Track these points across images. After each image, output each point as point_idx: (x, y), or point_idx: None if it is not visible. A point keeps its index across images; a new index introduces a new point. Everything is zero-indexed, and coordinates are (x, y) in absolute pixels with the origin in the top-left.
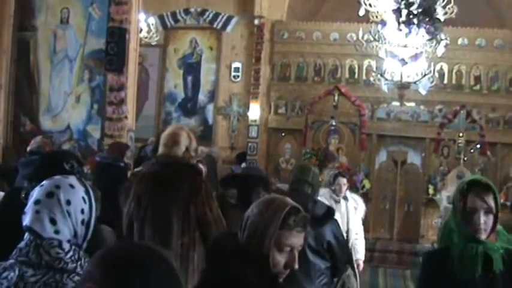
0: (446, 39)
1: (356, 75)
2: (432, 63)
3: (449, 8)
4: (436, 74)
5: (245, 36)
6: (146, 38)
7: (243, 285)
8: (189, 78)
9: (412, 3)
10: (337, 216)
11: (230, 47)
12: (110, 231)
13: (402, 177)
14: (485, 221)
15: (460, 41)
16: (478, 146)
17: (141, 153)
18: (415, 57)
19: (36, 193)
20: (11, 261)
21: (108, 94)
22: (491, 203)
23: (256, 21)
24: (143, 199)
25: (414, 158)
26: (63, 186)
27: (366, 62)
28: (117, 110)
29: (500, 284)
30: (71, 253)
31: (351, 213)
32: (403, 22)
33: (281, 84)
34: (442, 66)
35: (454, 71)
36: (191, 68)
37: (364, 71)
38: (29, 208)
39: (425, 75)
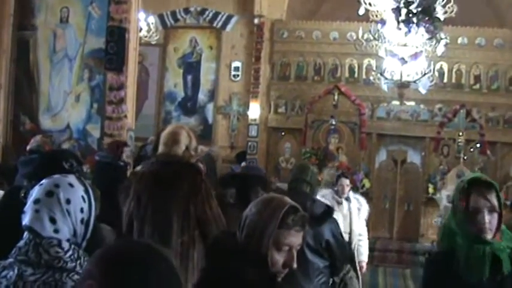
0: (446, 38)
1: (356, 75)
2: (432, 62)
3: (449, 7)
4: (436, 73)
5: (245, 36)
6: (146, 37)
7: (241, 284)
8: (189, 78)
9: (412, 2)
10: (339, 217)
11: (230, 46)
12: (109, 230)
13: (402, 177)
14: (489, 220)
15: (459, 40)
16: (478, 145)
17: (141, 153)
18: (415, 56)
19: (35, 192)
20: (10, 260)
21: (108, 93)
22: (494, 201)
23: (256, 21)
24: (143, 198)
25: (414, 157)
26: (63, 185)
27: (365, 61)
28: (116, 109)
29: (509, 286)
30: (70, 252)
31: (354, 215)
32: (403, 21)
33: (281, 84)
34: (442, 65)
35: (454, 70)
36: (191, 67)
37: (364, 70)
38: (29, 207)
39: (425, 74)
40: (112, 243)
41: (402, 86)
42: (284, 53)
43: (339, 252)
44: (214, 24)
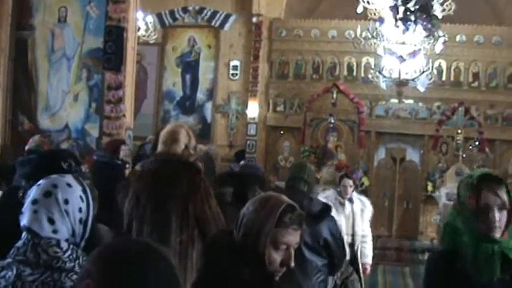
0: (444, 36)
1: (354, 73)
2: (430, 60)
3: (447, 5)
4: (435, 71)
5: (243, 34)
6: (144, 36)
7: (239, 283)
8: (188, 77)
9: (409, 0)
10: (341, 218)
11: (228, 45)
12: (107, 230)
13: (401, 175)
14: (499, 218)
15: (458, 38)
16: (477, 142)
17: (140, 152)
18: (413, 54)
19: (33, 193)
20: (9, 260)
21: (106, 93)
22: (505, 197)
23: (254, 19)
24: (142, 197)
25: (413, 155)
26: (61, 186)
27: (364, 60)
28: (115, 109)
29: None
30: (69, 252)
31: (357, 216)
32: (400, 19)
33: (279, 82)
34: (440, 63)
35: (453, 67)
36: (189, 66)
37: (362, 69)
38: (27, 208)
39: (423, 72)
40: (110, 242)
41: (401, 84)
42: (282, 52)
43: (337, 250)
44: (213, 23)
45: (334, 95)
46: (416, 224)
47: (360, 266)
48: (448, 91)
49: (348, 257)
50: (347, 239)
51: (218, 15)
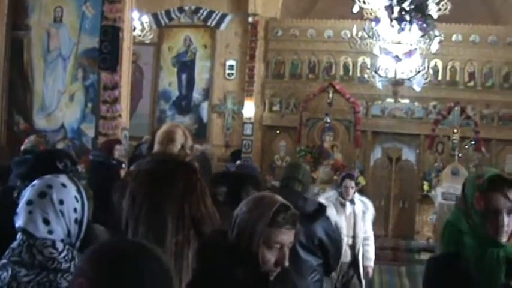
0: (440, 35)
1: (350, 73)
2: (426, 60)
3: (443, 5)
4: (430, 71)
5: (239, 34)
6: (140, 36)
7: (233, 283)
8: (184, 76)
9: (404, 0)
10: (342, 219)
11: (224, 45)
12: (103, 230)
13: (397, 174)
14: (508, 222)
15: (454, 38)
16: (473, 142)
17: (137, 152)
18: (409, 53)
19: (27, 193)
20: (4, 261)
21: (102, 93)
22: None
23: (250, 19)
24: (138, 197)
25: (409, 155)
26: (56, 186)
27: (360, 59)
28: (111, 109)
29: None
30: (64, 253)
31: (358, 217)
32: (396, 19)
33: (275, 82)
34: (436, 62)
35: (448, 67)
36: (185, 66)
37: (358, 68)
38: (21, 209)
39: (419, 71)
40: (104, 241)
41: (397, 84)
42: (278, 52)
43: (332, 250)
44: (209, 23)
45: (330, 95)
46: (413, 224)
47: (361, 268)
48: (444, 91)
49: (348, 259)
50: (347, 241)
51: (214, 15)
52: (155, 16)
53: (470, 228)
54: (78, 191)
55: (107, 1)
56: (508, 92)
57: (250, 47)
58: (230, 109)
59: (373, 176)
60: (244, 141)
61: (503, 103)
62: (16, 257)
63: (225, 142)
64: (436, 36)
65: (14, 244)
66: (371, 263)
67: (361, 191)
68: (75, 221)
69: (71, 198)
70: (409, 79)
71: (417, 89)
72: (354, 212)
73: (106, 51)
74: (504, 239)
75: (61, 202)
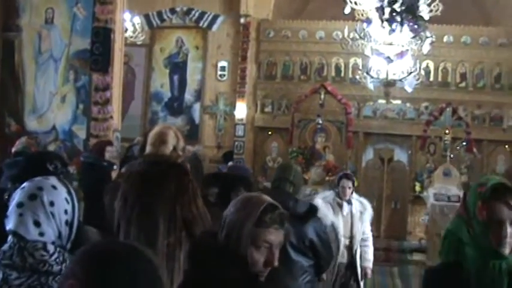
0: (431, 36)
1: (342, 74)
2: (418, 61)
3: (434, 6)
4: (422, 72)
5: (231, 35)
6: (132, 37)
7: (223, 285)
8: (175, 78)
9: (395, 1)
10: (338, 220)
11: (216, 46)
12: (95, 232)
13: (389, 175)
14: (510, 233)
15: (445, 39)
16: (464, 143)
17: (128, 153)
18: (401, 54)
19: (17, 196)
20: None
21: (94, 94)
22: None
23: (242, 20)
24: (130, 198)
25: (401, 156)
26: (46, 188)
27: (351, 60)
28: (102, 110)
29: None
30: (55, 255)
31: (356, 218)
32: (386, 20)
33: (267, 83)
34: (427, 63)
35: (440, 68)
36: (177, 67)
37: (350, 69)
38: (12, 211)
39: (411, 73)
40: (95, 243)
41: (388, 85)
42: (270, 53)
43: (324, 251)
44: (201, 24)
45: (322, 96)
46: (405, 224)
47: (359, 269)
48: (435, 91)
49: (345, 260)
50: (345, 242)
51: (206, 16)
52: (147, 17)
53: (471, 238)
54: (69, 193)
55: (98, 2)
56: (499, 93)
57: (242, 48)
58: (222, 110)
59: (365, 177)
60: (236, 143)
61: (495, 104)
62: (7, 260)
63: (217, 143)
64: (427, 37)
65: (5, 247)
66: (370, 264)
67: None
68: (66, 222)
69: (61, 200)
70: (400, 80)
71: (409, 90)
72: (351, 212)
73: (97, 52)
74: (507, 250)
75: (52, 204)
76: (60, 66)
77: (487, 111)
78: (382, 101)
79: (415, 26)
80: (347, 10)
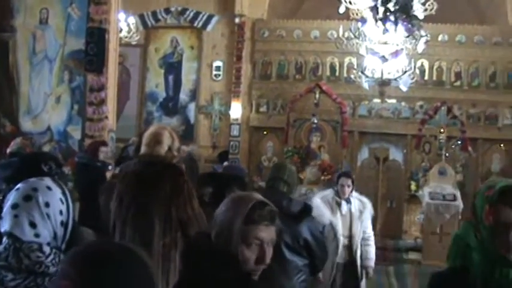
0: (426, 36)
1: (337, 73)
2: (413, 60)
3: (429, 5)
4: (417, 71)
5: (226, 35)
6: (126, 37)
7: (215, 284)
8: (170, 78)
9: (389, 0)
10: (337, 219)
11: (211, 46)
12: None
13: (384, 174)
14: None
15: (440, 38)
16: (459, 141)
17: (124, 154)
18: (396, 54)
19: (12, 197)
20: None
21: (89, 95)
22: None
23: (236, 20)
24: (125, 198)
25: (396, 155)
26: (41, 189)
27: (346, 60)
28: (97, 111)
29: None
30: (51, 256)
31: (355, 217)
32: (380, 19)
33: (262, 83)
34: (422, 62)
35: (435, 67)
36: (172, 67)
37: (345, 69)
38: (7, 213)
39: (405, 72)
40: (88, 243)
41: (383, 84)
42: (265, 52)
43: (318, 251)
44: (195, 24)
45: (317, 95)
46: (400, 223)
47: (359, 268)
48: (430, 90)
49: (343, 260)
50: (344, 241)
51: (201, 16)
52: (141, 17)
53: (478, 243)
54: (63, 193)
55: (92, 3)
56: (494, 92)
57: (237, 48)
58: (217, 110)
59: (360, 176)
60: (232, 142)
61: (490, 102)
62: (2, 262)
63: (212, 143)
64: (422, 36)
65: (0, 248)
66: (371, 263)
67: None
68: (61, 223)
69: (56, 200)
70: (395, 79)
71: (404, 89)
72: (350, 211)
73: (92, 53)
74: None
75: (47, 205)
76: (55, 67)
77: (482, 110)
78: (377, 100)
79: (409, 26)
80: (342, 9)
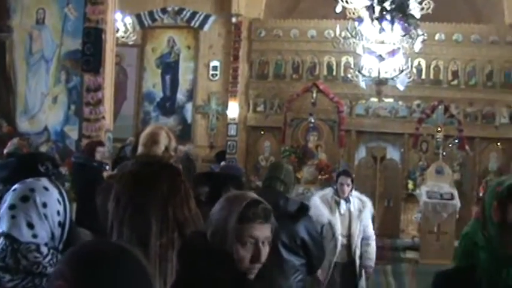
0: (423, 35)
1: (334, 72)
2: (410, 59)
3: (426, 4)
4: (414, 70)
5: (223, 35)
6: (123, 37)
7: (211, 284)
8: (167, 78)
9: (385, 0)
10: (336, 219)
11: (208, 46)
12: (88, 234)
13: (381, 173)
14: None
15: (437, 37)
16: (457, 140)
17: (121, 154)
18: (393, 53)
19: (9, 198)
20: None
21: (85, 95)
22: None
23: (233, 20)
24: (122, 199)
25: (393, 154)
26: (38, 189)
27: (343, 59)
28: (94, 111)
29: None
30: (49, 257)
31: (354, 216)
32: (377, 18)
33: (259, 82)
34: (419, 61)
35: (432, 66)
36: (169, 67)
37: (342, 68)
38: (4, 213)
39: (402, 71)
40: (84, 243)
41: (380, 83)
42: (262, 52)
43: (315, 250)
44: (192, 24)
45: (314, 95)
46: (398, 222)
47: (358, 268)
48: (427, 89)
49: (342, 259)
50: (342, 241)
51: (197, 15)
52: (138, 17)
53: (486, 242)
54: (60, 194)
55: (89, 3)
56: (491, 91)
57: (234, 48)
58: (214, 110)
59: (357, 176)
60: (229, 142)
61: (487, 101)
62: (0, 263)
63: (210, 143)
64: (419, 35)
65: None
66: (371, 263)
67: None
68: (59, 224)
69: (53, 201)
70: (392, 78)
71: (401, 88)
72: (349, 210)
73: (89, 53)
74: None
75: (44, 205)
76: (52, 67)
77: (479, 109)
78: (374, 100)
79: (406, 25)
80: (338, 9)
